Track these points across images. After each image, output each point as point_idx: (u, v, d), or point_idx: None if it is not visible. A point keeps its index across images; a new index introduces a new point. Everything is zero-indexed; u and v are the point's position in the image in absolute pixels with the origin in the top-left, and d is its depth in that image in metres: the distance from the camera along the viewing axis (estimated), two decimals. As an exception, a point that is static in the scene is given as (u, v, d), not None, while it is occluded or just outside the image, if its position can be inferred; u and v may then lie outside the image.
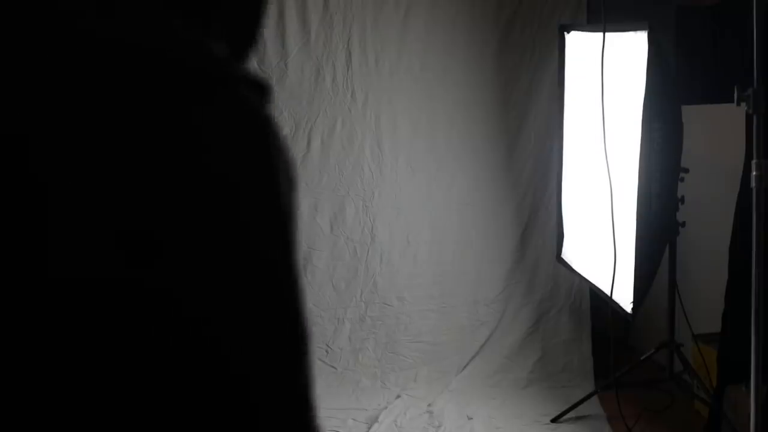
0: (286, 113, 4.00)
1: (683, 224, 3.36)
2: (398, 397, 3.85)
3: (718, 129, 3.66)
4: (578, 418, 3.63)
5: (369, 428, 3.55)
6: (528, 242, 4.39)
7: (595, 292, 3.94)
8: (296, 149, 3.98)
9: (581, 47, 3.86)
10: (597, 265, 3.63)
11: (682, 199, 3.32)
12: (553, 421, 3.62)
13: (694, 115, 3.48)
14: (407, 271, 4.18)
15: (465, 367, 4.12)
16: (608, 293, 3.33)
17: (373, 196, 4.14)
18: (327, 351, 3.98)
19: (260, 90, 0.49)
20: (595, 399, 3.72)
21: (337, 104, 4.10)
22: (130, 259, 0.42)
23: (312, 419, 0.50)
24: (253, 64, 4.27)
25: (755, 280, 2.09)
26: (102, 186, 0.42)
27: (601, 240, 3.50)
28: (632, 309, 3.21)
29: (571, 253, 4.07)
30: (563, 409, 3.66)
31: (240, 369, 0.46)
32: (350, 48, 4.12)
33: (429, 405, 3.78)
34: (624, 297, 3.27)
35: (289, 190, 0.48)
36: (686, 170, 3.29)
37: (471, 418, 3.66)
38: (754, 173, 2.11)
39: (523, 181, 4.39)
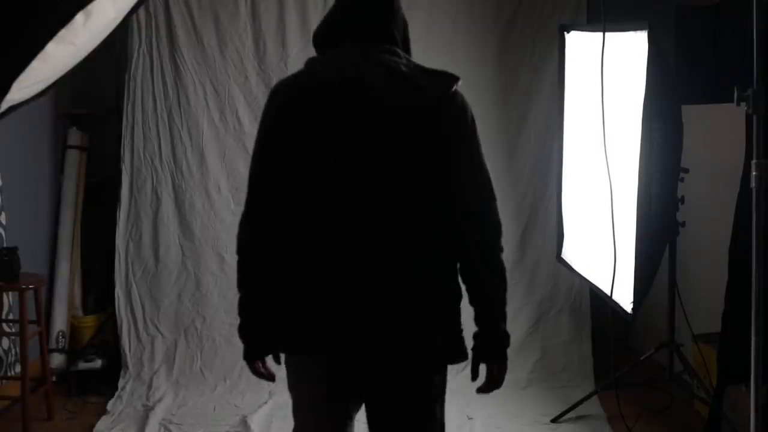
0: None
1: (683, 224, 3.36)
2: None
3: (718, 129, 3.66)
4: (578, 418, 3.63)
5: (369, 428, 3.56)
6: (528, 242, 4.39)
7: (595, 292, 3.94)
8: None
9: (581, 47, 3.86)
10: (597, 265, 3.63)
11: (682, 199, 3.32)
12: (553, 421, 3.62)
13: (694, 115, 3.48)
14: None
15: (465, 367, 4.10)
16: (608, 293, 3.33)
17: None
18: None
19: None
20: (595, 399, 3.72)
21: (337, 104, 4.10)
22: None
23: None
24: (254, 65, 4.27)
25: (755, 280, 2.08)
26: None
27: (601, 240, 3.50)
28: (632, 309, 3.21)
29: (571, 253, 4.07)
30: (563, 409, 3.66)
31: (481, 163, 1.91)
32: (350, 48, 4.12)
33: (429, 405, 3.78)
34: (624, 297, 3.26)
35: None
36: (686, 170, 3.29)
37: (471, 418, 3.66)
38: (754, 173, 2.10)
39: (523, 181, 4.39)
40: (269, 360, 1.96)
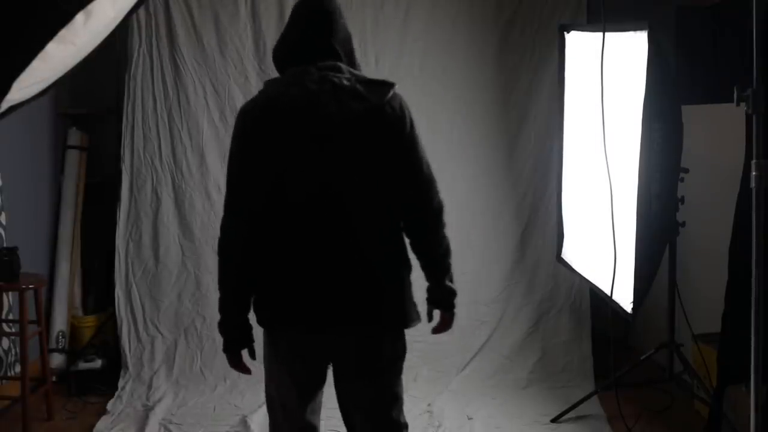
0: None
1: (683, 224, 3.36)
2: (398, 397, 3.84)
3: (718, 129, 3.66)
4: (578, 418, 3.63)
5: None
6: (528, 242, 4.39)
7: (595, 292, 3.94)
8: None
9: (581, 47, 3.86)
10: (597, 265, 3.63)
11: (682, 199, 3.32)
12: (553, 421, 3.62)
13: (694, 115, 3.48)
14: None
15: (465, 367, 4.12)
16: (608, 293, 3.33)
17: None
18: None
19: None
20: (595, 399, 3.72)
21: (337, 104, 4.10)
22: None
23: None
24: (254, 65, 4.27)
25: (755, 280, 2.08)
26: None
27: (601, 240, 3.50)
28: (632, 309, 3.21)
29: (571, 253, 4.07)
30: (563, 409, 3.66)
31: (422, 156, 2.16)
32: (350, 48, 4.12)
33: (429, 405, 3.78)
34: (624, 297, 3.26)
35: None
36: (686, 170, 3.29)
37: (471, 418, 3.66)
38: (754, 173, 2.10)
39: (523, 181, 4.39)
40: (244, 354, 2.16)
